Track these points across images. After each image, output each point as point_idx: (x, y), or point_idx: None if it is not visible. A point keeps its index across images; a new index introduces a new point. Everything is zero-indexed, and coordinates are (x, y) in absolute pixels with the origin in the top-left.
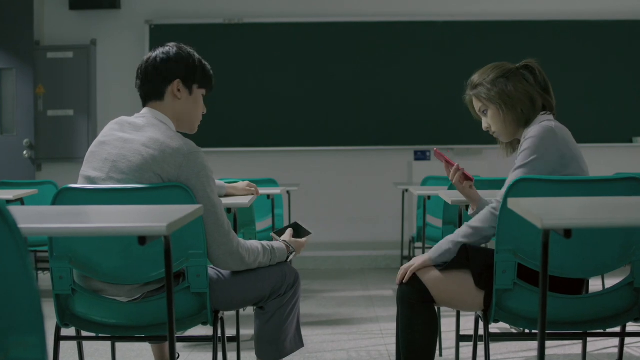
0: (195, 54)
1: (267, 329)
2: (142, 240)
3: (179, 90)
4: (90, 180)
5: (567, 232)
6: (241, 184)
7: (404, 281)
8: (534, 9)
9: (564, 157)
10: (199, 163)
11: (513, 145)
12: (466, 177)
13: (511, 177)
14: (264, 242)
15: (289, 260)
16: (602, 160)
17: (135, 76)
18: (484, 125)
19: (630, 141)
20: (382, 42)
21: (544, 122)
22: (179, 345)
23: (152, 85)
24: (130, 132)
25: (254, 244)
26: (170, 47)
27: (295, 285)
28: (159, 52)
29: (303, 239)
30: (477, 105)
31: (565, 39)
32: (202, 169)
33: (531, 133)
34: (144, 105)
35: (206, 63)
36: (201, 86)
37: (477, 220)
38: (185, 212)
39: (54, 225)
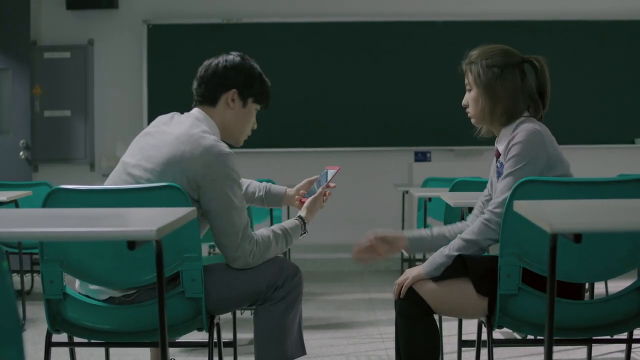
0: (258, 67)
1: (267, 325)
2: (132, 245)
3: (232, 100)
4: (123, 164)
5: (577, 237)
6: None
7: (400, 296)
8: (536, 8)
9: (550, 158)
10: (228, 165)
11: (482, 129)
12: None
13: (501, 185)
14: (277, 228)
15: (300, 236)
16: (603, 161)
17: (194, 77)
18: (463, 101)
19: (632, 142)
20: (382, 42)
21: (527, 125)
22: (174, 350)
23: (207, 89)
24: (173, 127)
25: (263, 237)
26: (234, 56)
27: (295, 278)
28: (222, 59)
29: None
30: (466, 79)
31: (567, 39)
32: (229, 171)
33: (518, 138)
34: (195, 107)
35: (267, 79)
36: (256, 101)
37: (471, 232)
38: (176, 215)
39: (36, 230)
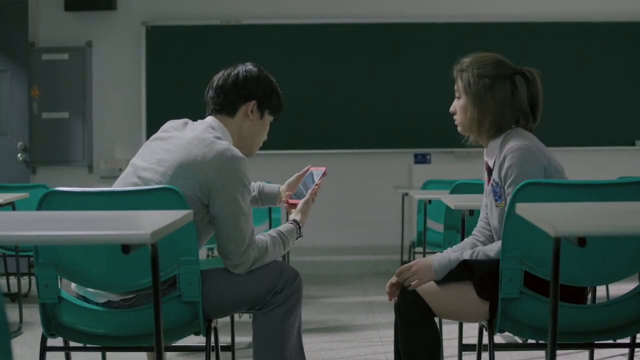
0: (274, 80)
1: (265, 330)
2: (126, 249)
3: (252, 111)
4: (134, 166)
5: (581, 241)
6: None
7: (407, 286)
8: (536, 10)
9: (546, 170)
10: (240, 170)
11: (470, 138)
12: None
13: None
14: (274, 233)
15: (296, 240)
16: (604, 163)
17: (207, 89)
18: (451, 108)
19: (633, 144)
20: (381, 43)
21: (515, 142)
22: (171, 355)
23: (227, 99)
24: (186, 132)
25: (262, 243)
26: (253, 67)
27: (295, 283)
28: (241, 69)
29: (308, 202)
30: (456, 85)
31: (567, 41)
32: (241, 176)
33: (510, 160)
34: (209, 115)
35: (281, 92)
36: (272, 113)
37: (496, 251)
38: (172, 218)
39: (28, 233)
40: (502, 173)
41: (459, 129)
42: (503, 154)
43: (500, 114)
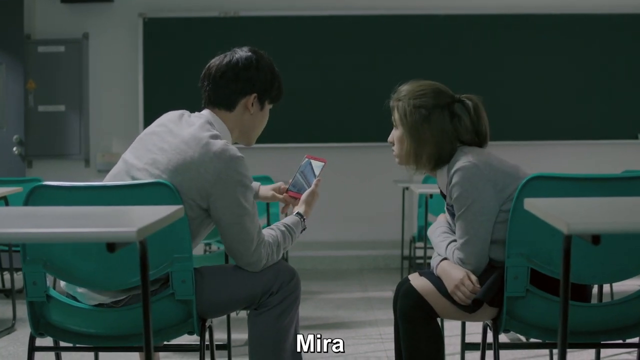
0: (272, 63)
1: (260, 332)
2: (111, 247)
3: (252, 104)
4: (127, 164)
5: (595, 238)
6: (267, 189)
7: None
8: (538, 2)
9: (497, 184)
10: (239, 171)
11: (416, 169)
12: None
13: (457, 231)
14: (282, 226)
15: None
16: (607, 157)
17: (202, 75)
18: (389, 138)
19: (636, 137)
20: (382, 36)
21: (460, 162)
22: (166, 354)
23: (225, 93)
24: (182, 127)
25: (273, 238)
26: (252, 54)
27: (292, 283)
28: (240, 59)
29: (311, 195)
30: (393, 116)
31: (569, 34)
32: (241, 177)
33: (455, 179)
34: (206, 107)
35: (280, 75)
36: (272, 101)
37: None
38: (161, 214)
39: (7, 230)
40: (448, 190)
41: (397, 160)
42: (450, 175)
43: (437, 146)
